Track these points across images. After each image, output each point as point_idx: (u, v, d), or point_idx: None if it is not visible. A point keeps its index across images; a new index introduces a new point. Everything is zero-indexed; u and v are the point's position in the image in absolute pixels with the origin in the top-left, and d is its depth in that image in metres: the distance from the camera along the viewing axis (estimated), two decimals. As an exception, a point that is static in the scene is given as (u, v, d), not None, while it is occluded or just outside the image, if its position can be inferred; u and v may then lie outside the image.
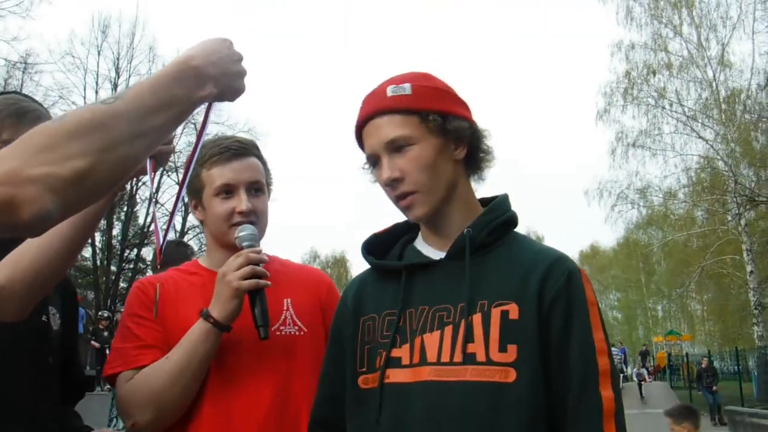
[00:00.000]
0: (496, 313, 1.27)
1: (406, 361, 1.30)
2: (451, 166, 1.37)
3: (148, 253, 29.12)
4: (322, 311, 1.80)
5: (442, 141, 1.35)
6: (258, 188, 1.77)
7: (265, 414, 1.63)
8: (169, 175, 29.27)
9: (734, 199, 20.36)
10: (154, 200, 28.95)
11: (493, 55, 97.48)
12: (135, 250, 29.63)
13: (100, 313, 19.50)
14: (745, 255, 21.52)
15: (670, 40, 24.07)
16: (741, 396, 18.02)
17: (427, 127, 1.33)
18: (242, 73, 1.15)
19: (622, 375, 27.35)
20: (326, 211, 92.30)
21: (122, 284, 29.26)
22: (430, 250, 1.41)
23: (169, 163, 28.52)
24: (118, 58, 28.37)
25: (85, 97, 27.64)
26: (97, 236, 28.92)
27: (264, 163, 1.83)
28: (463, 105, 1.42)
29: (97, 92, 28.04)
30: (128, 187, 29.46)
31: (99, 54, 27.96)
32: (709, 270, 24.03)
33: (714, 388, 18.59)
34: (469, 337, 1.26)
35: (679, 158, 24.09)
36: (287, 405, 1.65)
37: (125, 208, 29.71)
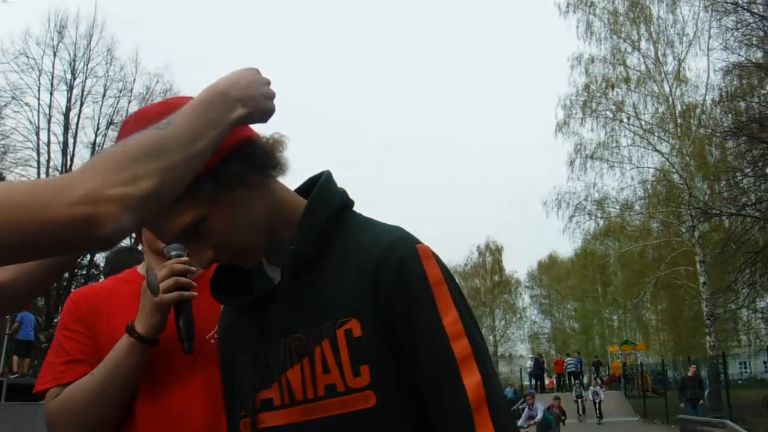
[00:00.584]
0: (341, 334, 1.14)
1: (277, 402, 1.20)
2: (248, 205, 1.18)
3: (101, 258, 27.21)
4: None
5: (227, 196, 1.15)
6: None
7: (198, 423, 1.57)
8: None
9: (689, 211, 20.89)
10: None
11: (455, 65, 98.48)
12: (88, 256, 28.16)
13: (56, 320, 18.73)
14: (698, 266, 22.04)
15: (629, 55, 24.70)
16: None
17: (200, 199, 1.14)
18: (270, 95, 1.18)
19: (577, 383, 27.67)
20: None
21: (73, 289, 28.14)
22: (273, 270, 1.28)
23: None
24: (74, 60, 27.55)
25: (39, 99, 26.98)
26: None
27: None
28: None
29: (51, 93, 27.40)
30: None
31: (54, 55, 27.16)
32: (664, 281, 24.61)
33: (701, 401, 17.41)
34: (324, 368, 1.14)
35: (635, 171, 24.71)
36: (221, 414, 1.54)
37: None
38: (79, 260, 28.13)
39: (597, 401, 21.80)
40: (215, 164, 1.12)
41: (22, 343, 15.62)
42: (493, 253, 49.36)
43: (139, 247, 2.11)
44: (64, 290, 27.45)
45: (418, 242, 1.19)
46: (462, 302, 1.16)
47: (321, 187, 1.26)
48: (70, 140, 27.91)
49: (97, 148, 27.90)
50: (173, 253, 1.59)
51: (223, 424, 1.46)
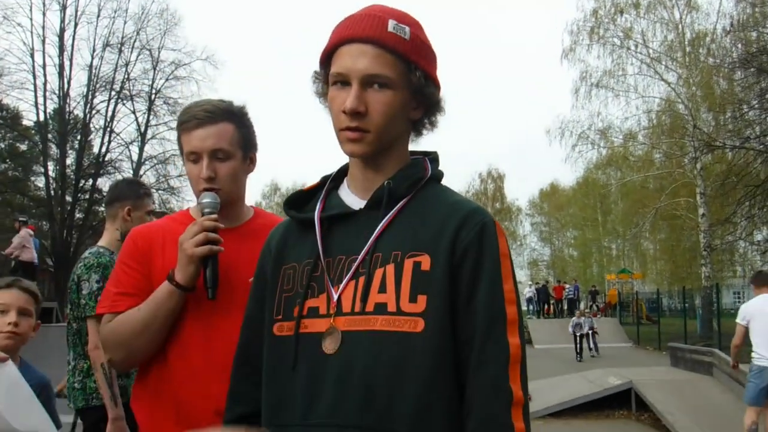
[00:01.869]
0: (408, 264, 1.28)
1: (323, 310, 1.31)
2: (405, 122, 1.39)
3: (103, 183, 28.29)
4: None
5: (411, 97, 1.36)
6: (221, 156, 1.86)
7: (228, 352, 1.72)
8: (124, 104, 28.74)
9: (692, 142, 20.66)
10: (109, 129, 28.46)
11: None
12: (90, 180, 28.67)
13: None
14: (698, 198, 22.01)
15: (640, -22, 23.80)
16: (684, 333, 18.71)
17: (408, 80, 1.34)
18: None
19: (575, 308, 28.09)
20: (287, 142, 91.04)
21: (78, 215, 28.64)
22: (353, 198, 1.41)
23: (124, 91, 28.18)
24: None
25: (31, 19, 26.38)
26: (50, 165, 28.28)
27: (240, 126, 1.90)
28: (437, 69, 1.42)
29: (44, 14, 26.78)
30: (81, 115, 28.52)
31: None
32: (664, 211, 24.57)
33: None
34: (381, 287, 1.27)
35: (641, 100, 24.39)
36: None
37: (79, 137, 28.74)
38: (81, 185, 28.31)
39: (579, 334, 18.64)
40: (436, 81, 1.39)
41: (27, 266, 15.67)
42: (495, 181, 49.23)
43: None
44: (68, 215, 27.53)
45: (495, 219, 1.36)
46: (516, 281, 1.33)
47: (431, 158, 1.46)
48: (66, 62, 27.35)
49: (93, 70, 27.44)
50: (206, 210, 1.81)
51: None
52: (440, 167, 1.45)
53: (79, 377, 3.39)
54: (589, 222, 43.80)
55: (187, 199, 25.96)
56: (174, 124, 27.89)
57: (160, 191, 27.38)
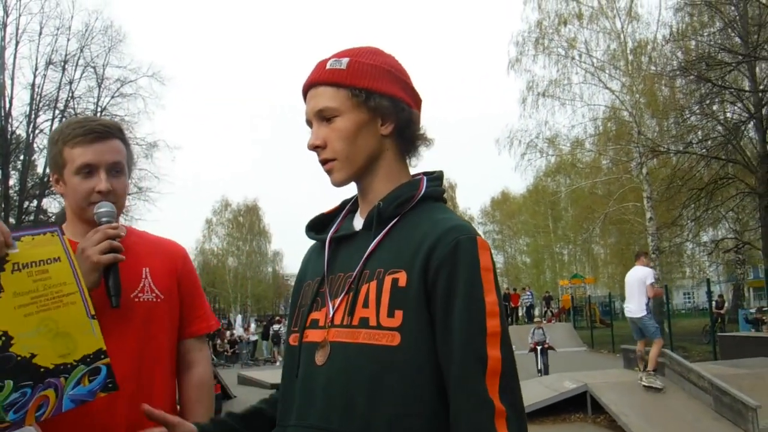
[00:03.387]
0: (388, 281, 1.34)
1: (321, 323, 1.41)
2: (376, 139, 1.45)
3: (49, 203, 27.60)
4: (178, 279, 1.99)
5: (367, 116, 1.43)
6: (118, 170, 1.89)
7: (124, 371, 1.73)
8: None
9: (637, 148, 21.00)
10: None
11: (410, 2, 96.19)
12: (35, 201, 27.85)
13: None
14: (645, 202, 22.31)
15: (581, -10, 24.30)
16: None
17: (352, 102, 1.41)
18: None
19: (530, 315, 28.32)
20: (236, 159, 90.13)
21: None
22: (358, 221, 1.50)
23: (69, 110, 27.13)
24: (7, -2, 25.95)
25: None
26: None
27: (127, 145, 1.95)
28: (399, 84, 1.48)
29: None
30: (24, 135, 27.72)
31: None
32: (612, 216, 24.85)
33: None
34: (365, 303, 1.34)
35: (587, 108, 24.54)
36: (143, 363, 1.83)
37: (22, 157, 27.86)
38: (26, 206, 27.49)
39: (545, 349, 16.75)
40: (389, 94, 1.44)
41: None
42: (447, 190, 49.32)
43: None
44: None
45: (479, 236, 1.37)
46: (500, 294, 1.35)
47: (434, 177, 1.52)
48: (8, 81, 26.33)
49: (36, 89, 26.66)
50: (104, 219, 1.81)
51: (144, 369, 1.82)
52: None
53: None
54: (540, 229, 44.28)
55: (136, 218, 25.81)
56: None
57: None
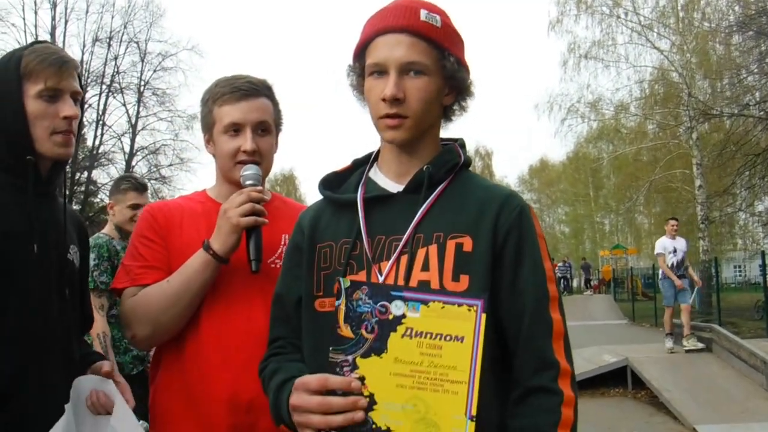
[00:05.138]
0: (451, 245, 1.36)
1: None
2: (438, 107, 1.47)
3: (98, 175, 29.56)
4: None
5: (444, 83, 1.44)
6: (264, 129, 1.86)
7: (257, 335, 1.68)
8: (114, 97, 29.72)
9: (687, 111, 20.28)
10: (101, 122, 29.57)
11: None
12: (85, 173, 29.56)
13: None
14: (694, 169, 21.53)
15: (629, -58, 23.08)
16: (680, 309, 18.22)
17: (442, 66, 1.41)
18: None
19: (566, 288, 27.82)
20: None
21: (75, 207, 29.23)
22: (387, 182, 1.48)
23: (114, 84, 29.18)
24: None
25: (24, 18, 26.69)
26: None
27: (275, 104, 1.91)
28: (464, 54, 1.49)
29: (36, 12, 27.05)
30: None
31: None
32: (658, 184, 24.25)
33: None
34: (424, 266, 1.35)
35: (632, 70, 23.78)
36: None
37: None
38: (77, 178, 28.70)
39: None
40: (465, 64, 1.47)
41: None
42: (483, 158, 48.93)
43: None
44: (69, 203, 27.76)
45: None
46: (551, 258, 1.45)
47: (460, 144, 1.55)
48: (59, 60, 27.72)
49: (84, 65, 27.91)
50: (249, 182, 1.80)
51: None
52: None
53: None
54: (580, 197, 43.58)
55: (179, 188, 27.85)
56: (163, 115, 28.26)
57: (152, 181, 28.21)
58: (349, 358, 1.27)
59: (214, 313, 1.77)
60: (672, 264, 10.57)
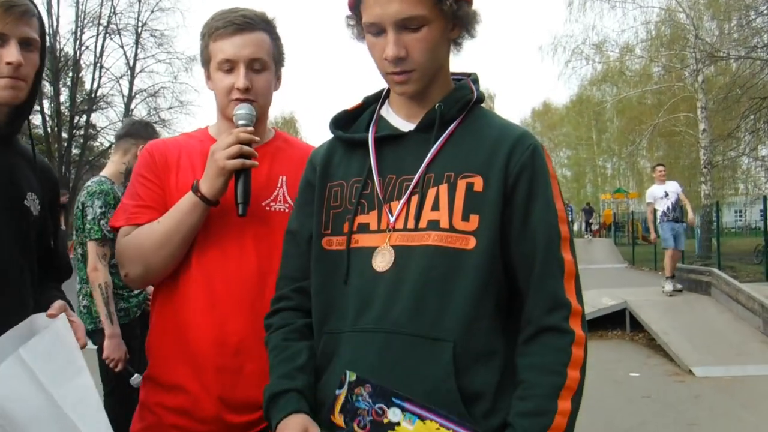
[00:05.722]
0: (461, 185, 1.34)
1: (374, 226, 1.38)
2: (447, 45, 1.42)
3: (97, 118, 29.48)
4: None
5: (446, 22, 1.38)
6: (259, 66, 1.78)
7: (247, 279, 1.72)
8: (112, 39, 29.32)
9: (693, 54, 19.88)
10: (99, 65, 29.22)
11: None
12: (84, 117, 29.42)
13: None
14: (699, 112, 21.29)
15: None
16: (682, 253, 18.32)
17: (440, 9, 1.34)
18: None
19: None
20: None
21: (75, 150, 29.54)
22: (399, 121, 1.46)
23: (111, 26, 28.64)
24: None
25: None
26: (45, 103, 29.30)
27: (275, 38, 1.83)
28: None
29: None
30: (72, 52, 29.03)
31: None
32: (662, 128, 24.03)
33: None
34: (434, 206, 1.33)
35: (639, 10, 23.22)
36: (269, 274, 1.70)
37: (71, 74, 29.31)
38: (76, 121, 28.49)
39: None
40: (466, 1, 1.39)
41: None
42: (485, 101, 48.28)
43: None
44: (66, 151, 28.54)
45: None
46: (563, 198, 1.42)
47: (473, 79, 1.51)
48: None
49: (80, 6, 27.84)
50: (241, 122, 1.74)
51: (269, 281, 1.66)
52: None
53: (84, 301, 3.62)
54: (583, 141, 43.28)
55: (178, 132, 27.25)
56: (162, 57, 27.88)
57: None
58: None
59: (206, 256, 1.75)
60: (667, 207, 10.59)
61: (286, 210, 1.79)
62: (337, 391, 1.30)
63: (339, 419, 1.29)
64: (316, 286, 1.45)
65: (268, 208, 1.79)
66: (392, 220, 1.36)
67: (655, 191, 10.81)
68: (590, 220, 33.83)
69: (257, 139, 1.74)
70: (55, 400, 1.41)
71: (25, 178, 1.68)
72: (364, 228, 1.39)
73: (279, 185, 1.82)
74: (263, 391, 1.44)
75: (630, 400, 6.38)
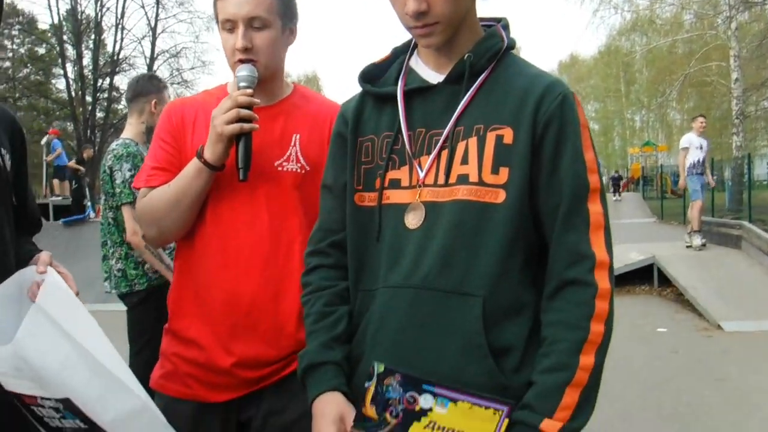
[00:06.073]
0: (491, 137, 1.31)
1: (405, 182, 1.37)
2: None
3: (120, 81, 29.75)
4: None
5: None
6: (260, 24, 1.75)
7: (259, 240, 1.75)
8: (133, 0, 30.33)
9: (727, 0, 19.14)
10: (120, 26, 29.59)
11: None
12: (108, 79, 29.80)
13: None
14: (732, 61, 20.67)
15: None
16: (712, 206, 18.04)
17: None
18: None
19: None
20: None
21: (99, 114, 30.34)
22: (428, 72, 1.43)
23: None
24: None
25: None
26: (69, 67, 29.65)
27: None
28: None
29: None
30: (93, 14, 29.33)
31: None
32: (693, 78, 23.57)
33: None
34: (463, 159, 1.31)
35: (670, -45, 22.43)
36: (281, 234, 1.76)
37: (93, 37, 29.68)
38: (99, 84, 28.66)
39: None
40: None
41: (59, 168, 17.79)
42: (512, 53, 47.71)
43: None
44: (90, 114, 28.81)
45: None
46: (594, 148, 1.37)
47: (503, 25, 1.46)
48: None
49: None
50: (242, 84, 1.72)
51: (282, 239, 1.76)
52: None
53: (118, 264, 3.64)
54: (611, 93, 42.62)
55: (256, 101, 27.83)
56: (183, 17, 28.01)
57: (174, 85, 28.80)
58: None
59: (219, 216, 1.77)
60: (697, 160, 10.48)
61: (298, 170, 1.79)
62: (366, 384, 1.29)
63: (371, 411, 1.29)
64: (350, 244, 1.45)
65: (280, 168, 1.78)
66: (422, 175, 1.35)
67: (692, 139, 10.62)
68: (619, 187, 33.41)
69: (257, 101, 1.71)
70: (80, 343, 1.46)
71: None
72: (396, 184, 1.38)
73: (292, 144, 1.80)
74: (299, 356, 1.45)
75: (657, 356, 6.35)
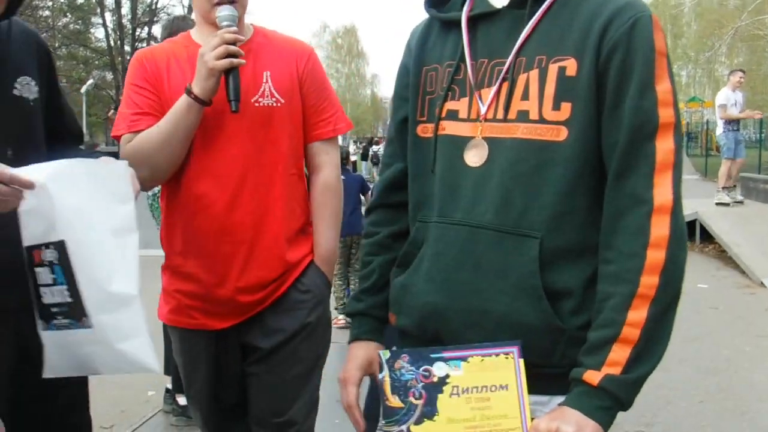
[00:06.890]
0: (553, 69, 1.23)
1: (463, 114, 1.32)
2: None
3: (159, 30, 29.11)
4: (300, 81, 1.97)
5: None
6: None
7: (244, 172, 1.86)
8: None
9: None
10: None
11: None
12: (146, 28, 30.27)
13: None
14: (786, 12, 19.86)
15: None
16: (759, 164, 17.55)
17: None
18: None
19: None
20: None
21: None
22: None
23: None
24: None
25: None
26: (108, 16, 29.38)
27: None
28: None
29: None
30: None
31: None
32: (744, 31, 22.78)
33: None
34: (524, 94, 1.24)
35: None
36: (263, 163, 1.88)
37: None
38: (137, 34, 28.80)
39: None
40: None
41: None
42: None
43: (192, 15, 2.34)
44: (128, 64, 28.47)
45: (652, 13, 1.24)
46: (672, 78, 1.23)
47: None
48: None
49: None
50: (225, 23, 1.80)
51: (264, 168, 1.89)
52: None
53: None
54: (657, 47, 41.26)
55: (241, 38, 27.86)
56: None
57: None
58: (403, 427, 1.27)
59: (206, 151, 1.86)
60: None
61: (275, 104, 1.91)
62: (380, 376, 1.30)
63: (395, 401, 1.29)
64: (411, 174, 1.42)
65: (257, 104, 1.88)
66: (483, 110, 1.28)
67: (729, 95, 10.39)
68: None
69: (242, 38, 1.83)
70: (111, 215, 1.52)
71: (11, 63, 1.65)
72: (453, 115, 1.32)
73: (264, 81, 1.91)
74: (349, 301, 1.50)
75: (697, 311, 6.25)
